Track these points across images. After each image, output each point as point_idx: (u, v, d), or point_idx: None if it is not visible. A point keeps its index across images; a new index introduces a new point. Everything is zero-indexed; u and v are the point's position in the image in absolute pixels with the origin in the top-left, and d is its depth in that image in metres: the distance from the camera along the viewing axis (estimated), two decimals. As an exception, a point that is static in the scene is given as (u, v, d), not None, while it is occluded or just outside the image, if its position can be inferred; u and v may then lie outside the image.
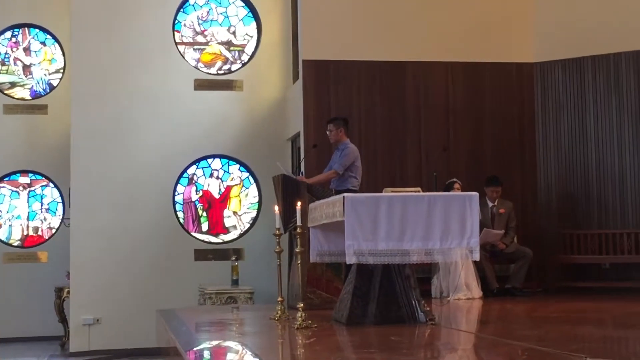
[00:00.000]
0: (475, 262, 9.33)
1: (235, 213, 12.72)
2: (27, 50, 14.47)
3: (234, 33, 12.97)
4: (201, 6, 12.91)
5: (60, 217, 14.16)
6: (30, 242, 14.17)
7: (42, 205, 14.26)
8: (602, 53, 11.31)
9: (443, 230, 6.77)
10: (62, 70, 14.41)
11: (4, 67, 14.37)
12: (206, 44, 12.90)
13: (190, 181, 12.60)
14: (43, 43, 14.50)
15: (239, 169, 12.76)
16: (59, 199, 14.22)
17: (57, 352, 12.63)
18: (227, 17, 12.99)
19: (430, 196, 6.96)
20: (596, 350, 5.75)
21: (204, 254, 12.36)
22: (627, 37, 11.17)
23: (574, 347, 5.56)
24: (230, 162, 12.73)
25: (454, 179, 10.35)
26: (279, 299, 7.63)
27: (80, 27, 12.33)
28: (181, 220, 12.47)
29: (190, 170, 12.60)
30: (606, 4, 11.36)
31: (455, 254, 6.84)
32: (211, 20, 12.96)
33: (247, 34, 12.98)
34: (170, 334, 7.08)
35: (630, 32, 11.17)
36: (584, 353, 5.13)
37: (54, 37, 14.44)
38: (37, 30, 14.45)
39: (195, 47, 12.86)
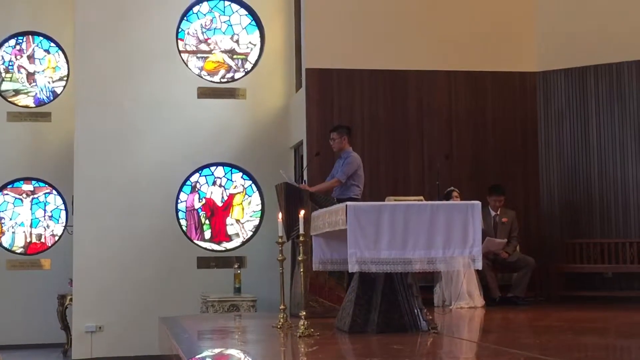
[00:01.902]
0: (477, 271, 9.35)
1: (237, 221, 12.73)
2: (31, 58, 14.51)
3: (237, 41, 13.01)
4: (204, 14, 12.95)
5: (63, 224, 14.19)
6: (33, 249, 14.19)
7: (45, 213, 14.28)
8: (604, 62, 11.32)
9: (445, 239, 6.78)
10: (65, 78, 14.45)
11: (8, 75, 14.42)
12: (209, 52, 12.94)
13: (193, 189, 12.62)
14: (47, 51, 14.55)
15: (241, 177, 12.78)
16: (62, 206, 14.24)
17: (59, 359, 12.64)
18: (231, 25, 13.03)
19: (432, 205, 6.97)
20: (599, 359, 5.75)
21: (207, 261, 12.37)
22: (630, 46, 11.18)
23: (576, 356, 5.57)
24: (233, 170, 12.75)
25: (452, 188, 10.36)
26: (282, 307, 7.63)
27: (84, 35, 12.37)
28: (184, 228, 12.49)
29: (193, 178, 12.62)
30: (609, 13, 11.37)
31: (457, 262, 6.85)
32: (214, 29, 12.99)
33: (250, 42, 13.01)
34: (172, 341, 7.09)
35: (633, 41, 11.18)
36: (586, 362, 5.14)
37: (57, 45, 14.48)
38: (41, 38, 14.50)
39: (199, 55, 12.89)
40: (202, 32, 12.94)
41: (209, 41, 12.95)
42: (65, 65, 14.46)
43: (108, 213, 12.11)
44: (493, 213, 10.77)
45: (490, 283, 10.24)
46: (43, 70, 14.52)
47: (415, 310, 7.08)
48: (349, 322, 7.09)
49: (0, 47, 14.36)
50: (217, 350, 6.80)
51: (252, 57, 12.97)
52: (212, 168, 12.69)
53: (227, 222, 12.70)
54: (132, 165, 12.27)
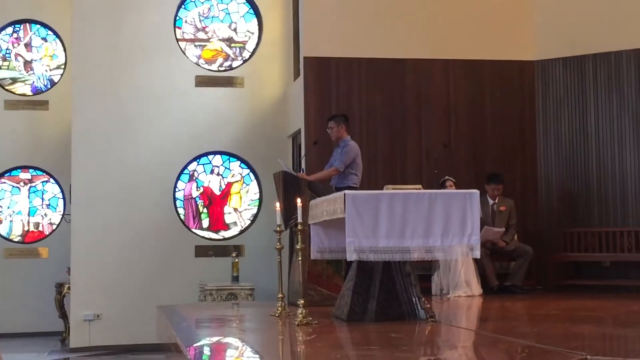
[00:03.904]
0: (475, 260, 9.35)
1: (235, 210, 12.73)
2: (28, 46, 14.46)
3: (235, 30, 12.97)
4: (202, 2, 12.91)
5: (61, 212, 14.17)
6: (31, 238, 14.17)
7: (42, 201, 14.26)
8: (603, 51, 11.31)
9: (444, 227, 6.77)
10: (63, 66, 14.41)
11: (5, 63, 14.37)
12: (207, 40, 12.90)
13: (191, 178, 12.61)
14: (44, 39, 14.49)
15: (239, 166, 12.76)
16: (60, 195, 14.22)
17: (57, 347, 12.64)
18: (229, 13, 12.99)
19: (431, 193, 6.96)
20: (596, 348, 5.75)
21: (205, 250, 12.37)
22: (629, 35, 11.17)
23: (574, 344, 5.57)
24: (231, 158, 12.74)
25: (447, 177, 10.35)
26: (280, 295, 7.64)
27: (81, 23, 12.33)
28: (182, 217, 12.48)
29: (191, 167, 12.60)
30: (608, 2, 11.35)
31: (455, 251, 6.85)
32: (212, 17, 12.96)
33: (248, 31, 12.98)
34: (170, 330, 7.09)
35: (631, 30, 11.17)
36: (584, 351, 5.14)
37: (55, 33, 14.43)
38: (39, 26, 14.44)
39: (197, 43, 12.86)
40: (200, 20, 12.91)
41: (206, 29, 12.92)
42: (63, 54, 14.41)
43: (106, 201, 12.10)
44: (491, 202, 10.77)
45: (488, 272, 10.25)
46: (40, 59, 14.47)
47: (413, 299, 7.08)
48: (347, 310, 7.09)
49: (-3, 35, 14.33)
50: (215, 339, 6.80)
51: (250, 46, 12.94)
52: (210, 157, 12.68)
53: (225, 211, 12.70)
54: (129, 153, 12.26)
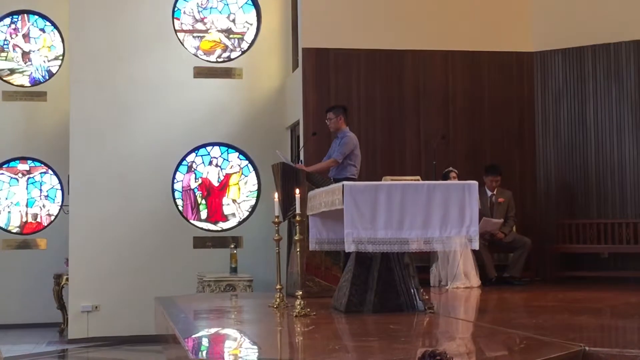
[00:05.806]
0: (473, 251, 9.34)
1: (234, 201, 12.72)
2: (26, 36, 14.42)
3: (233, 21, 12.94)
4: (201, -7, 12.89)
5: (59, 204, 14.15)
6: (29, 229, 14.16)
7: (41, 192, 14.24)
8: (602, 42, 11.29)
9: (442, 218, 6.77)
10: (61, 57, 14.37)
11: (3, 54, 14.33)
12: (206, 31, 12.87)
13: (190, 169, 12.60)
14: (42, 30, 14.45)
15: (238, 157, 12.75)
16: (58, 186, 14.21)
17: (55, 338, 12.63)
18: (227, 4, 12.96)
19: (429, 185, 6.96)
20: (594, 339, 5.76)
21: (203, 241, 12.36)
22: (628, 26, 11.15)
23: (572, 336, 5.57)
24: (229, 150, 12.72)
25: (451, 168, 10.36)
26: (278, 286, 7.64)
27: (79, 14, 12.30)
28: (180, 208, 12.47)
29: (190, 158, 12.59)
30: (607, -7, 11.34)
31: (454, 242, 6.85)
32: (211, 8, 12.92)
33: (246, 22, 12.94)
34: (169, 321, 7.09)
35: (630, 21, 11.15)
36: (582, 342, 5.14)
37: (53, 24, 14.39)
38: (37, 16, 14.40)
39: (195, 34, 12.83)
40: (199, 11, 12.87)
41: (205, 20, 12.89)
42: (61, 45, 14.37)
43: (104, 192, 12.09)
44: (489, 193, 10.77)
45: (486, 263, 10.25)
46: (38, 50, 14.43)
47: (412, 290, 7.08)
48: (345, 302, 7.10)
49: (-5, 26, 14.29)
50: (213, 330, 6.80)
51: (249, 37, 12.91)
52: (209, 148, 12.66)
53: (224, 202, 12.69)
54: (127, 145, 12.24)
